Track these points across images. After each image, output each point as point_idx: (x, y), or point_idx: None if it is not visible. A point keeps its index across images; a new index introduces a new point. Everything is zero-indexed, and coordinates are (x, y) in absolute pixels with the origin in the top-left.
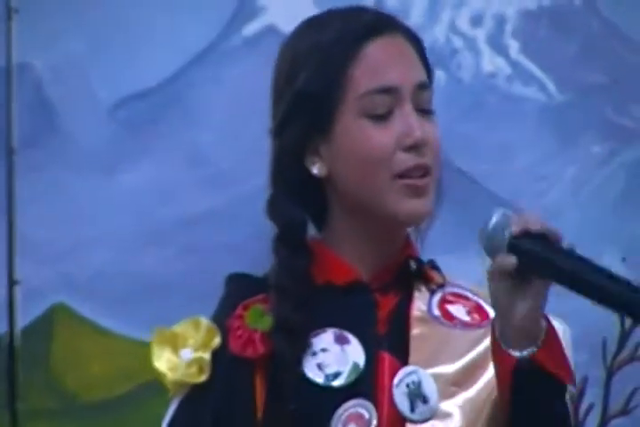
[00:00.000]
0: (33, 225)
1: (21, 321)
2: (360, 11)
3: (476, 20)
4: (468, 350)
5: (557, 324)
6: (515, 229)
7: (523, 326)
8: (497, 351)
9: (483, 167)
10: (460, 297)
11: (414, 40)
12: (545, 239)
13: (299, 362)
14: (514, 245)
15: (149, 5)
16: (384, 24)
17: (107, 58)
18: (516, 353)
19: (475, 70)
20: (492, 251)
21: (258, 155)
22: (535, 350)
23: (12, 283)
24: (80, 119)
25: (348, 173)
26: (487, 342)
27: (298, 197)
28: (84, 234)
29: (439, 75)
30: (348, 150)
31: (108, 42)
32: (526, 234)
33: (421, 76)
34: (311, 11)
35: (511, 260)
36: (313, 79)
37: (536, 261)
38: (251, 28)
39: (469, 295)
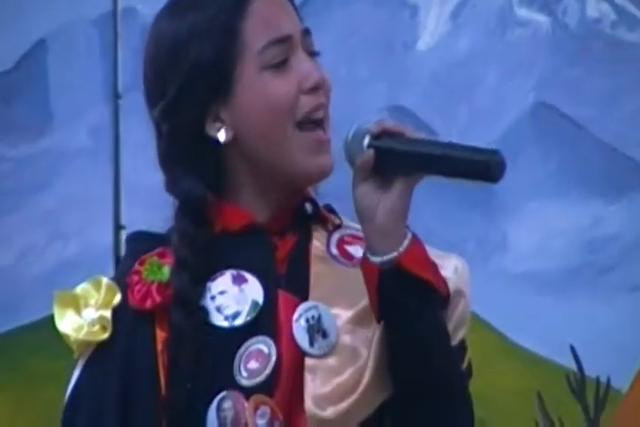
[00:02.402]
0: (138, 170)
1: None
2: None
3: None
4: (366, 291)
5: (456, 260)
6: (372, 129)
7: (385, 227)
8: (363, 262)
9: (588, 112)
10: (357, 238)
11: None
12: (402, 135)
13: (198, 307)
14: (373, 145)
15: None
16: None
17: None
18: (379, 259)
19: (580, 16)
20: (353, 157)
21: (361, 99)
22: (398, 254)
23: (117, 228)
24: None
25: (254, 130)
26: None
27: (195, 169)
28: None
29: (545, 21)
30: (252, 106)
31: None
32: (383, 133)
33: (301, 22)
34: None
35: (369, 154)
36: (207, 49)
37: (395, 154)
38: None
39: None
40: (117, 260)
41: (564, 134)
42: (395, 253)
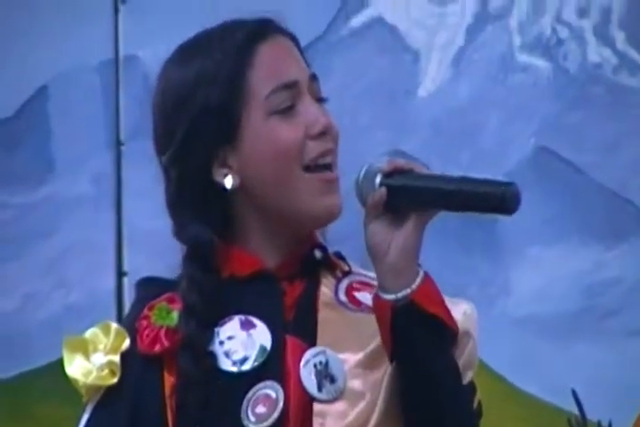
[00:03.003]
0: (141, 217)
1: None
2: (236, 23)
3: (583, 11)
4: (375, 335)
5: (465, 305)
6: (384, 167)
7: (398, 265)
8: (375, 299)
9: (589, 158)
10: (366, 285)
11: (293, 39)
12: (413, 172)
13: (206, 352)
14: (385, 184)
15: None
16: (266, 28)
17: None
18: (392, 296)
19: (581, 61)
20: (365, 196)
21: (362, 145)
22: (411, 291)
23: (120, 274)
24: None
25: (262, 175)
26: None
27: (203, 215)
28: None
29: (545, 66)
30: (259, 152)
31: None
32: (395, 171)
33: (308, 68)
34: (418, 2)
35: (381, 192)
36: (213, 95)
37: (407, 191)
38: (358, 20)
39: (375, 284)
40: (120, 306)
41: (564, 179)
42: (408, 291)
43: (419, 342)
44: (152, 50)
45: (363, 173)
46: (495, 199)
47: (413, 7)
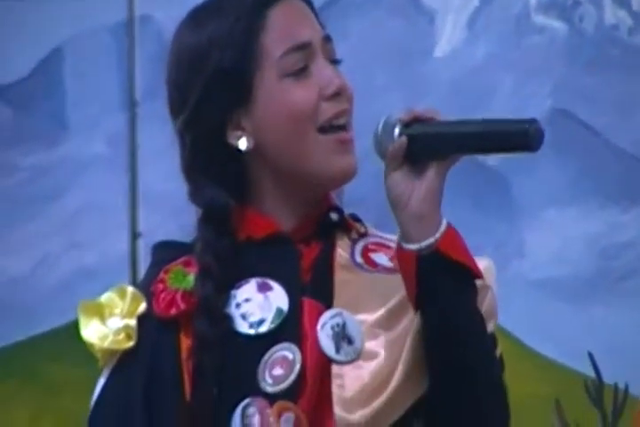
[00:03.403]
0: (156, 178)
1: (143, 273)
2: None
3: None
4: (392, 295)
5: (484, 260)
6: (403, 117)
7: (421, 213)
8: (398, 251)
9: (604, 119)
10: (382, 246)
11: (306, 1)
12: (433, 120)
13: (223, 315)
14: (405, 133)
15: None
16: None
17: None
18: (416, 245)
19: (597, 22)
20: (384, 149)
21: (377, 106)
22: (434, 240)
23: (134, 235)
24: None
25: (276, 137)
26: None
27: (218, 178)
28: None
29: (562, 27)
30: (273, 113)
31: None
32: (414, 120)
33: (322, 30)
34: None
35: (401, 141)
36: (226, 56)
37: (428, 138)
38: None
39: (391, 245)
40: (135, 268)
41: (580, 141)
42: (432, 239)
43: (444, 290)
44: (167, 9)
45: (381, 125)
46: (519, 137)
47: None
